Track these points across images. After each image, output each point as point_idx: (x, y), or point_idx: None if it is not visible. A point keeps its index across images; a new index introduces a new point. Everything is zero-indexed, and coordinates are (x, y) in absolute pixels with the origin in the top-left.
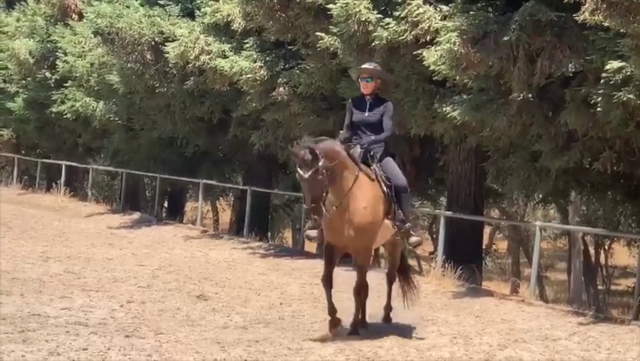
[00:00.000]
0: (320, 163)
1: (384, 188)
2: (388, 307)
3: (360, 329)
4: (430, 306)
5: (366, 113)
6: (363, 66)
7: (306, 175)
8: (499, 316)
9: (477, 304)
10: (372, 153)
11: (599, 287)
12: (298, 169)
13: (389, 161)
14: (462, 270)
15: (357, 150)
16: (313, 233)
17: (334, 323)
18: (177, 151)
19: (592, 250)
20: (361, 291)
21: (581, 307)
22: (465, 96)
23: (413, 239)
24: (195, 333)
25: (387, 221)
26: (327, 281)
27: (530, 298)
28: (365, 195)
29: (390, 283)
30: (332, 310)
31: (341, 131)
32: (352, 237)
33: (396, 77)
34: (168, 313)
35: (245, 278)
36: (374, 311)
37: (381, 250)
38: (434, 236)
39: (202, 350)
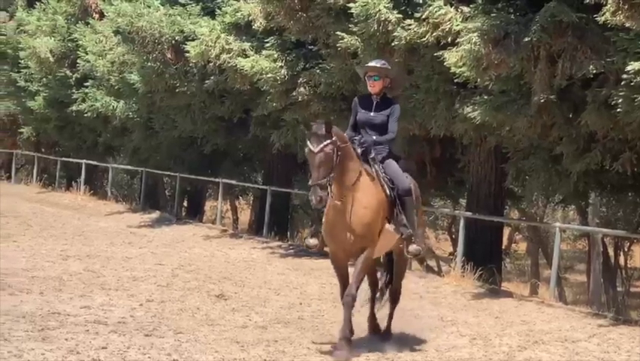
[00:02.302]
0: (333, 139)
1: (387, 190)
2: (388, 326)
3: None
4: (449, 307)
5: (372, 113)
6: (370, 64)
7: (316, 149)
8: (518, 317)
9: (496, 305)
10: (372, 155)
11: (619, 289)
12: (308, 143)
13: (392, 163)
14: (481, 271)
15: (358, 150)
16: (313, 241)
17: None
18: (197, 150)
19: (611, 252)
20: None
21: (600, 309)
22: (486, 97)
23: (413, 247)
24: (215, 333)
25: (389, 226)
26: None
27: (550, 299)
28: (366, 196)
29: (393, 300)
30: (349, 332)
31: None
32: (352, 240)
33: (417, 77)
34: (188, 313)
35: (264, 278)
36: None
37: None
38: (454, 237)
39: (221, 350)
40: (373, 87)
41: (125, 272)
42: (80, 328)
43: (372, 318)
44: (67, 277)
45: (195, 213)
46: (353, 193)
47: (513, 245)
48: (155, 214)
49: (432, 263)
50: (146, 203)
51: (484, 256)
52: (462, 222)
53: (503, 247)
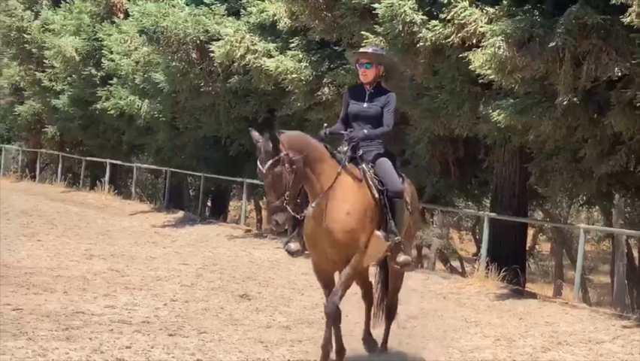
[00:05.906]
0: (281, 155)
1: (375, 193)
2: (384, 343)
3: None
4: (473, 308)
5: (365, 104)
6: (361, 50)
7: (264, 168)
8: (542, 318)
9: (520, 306)
10: (361, 153)
11: None
12: (257, 162)
13: (384, 162)
14: (505, 271)
15: (344, 148)
16: (294, 246)
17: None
18: (221, 150)
19: (636, 253)
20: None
21: (624, 311)
22: (511, 100)
23: (402, 258)
24: (239, 332)
25: (378, 233)
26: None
27: (574, 300)
28: (347, 199)
29: (389, 316)
30: (331, 347)
31: (325, 125)
32: (334, 251)
33: (442, 78)
34: (212, 313)
35: (288, 278)
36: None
37: None
38: (477, 237)
39: (245, 350)
40: (365, 76)
41: (149, 272)
42: (104, 327)
43: (367, 334)
44: (91, 277)
45: (219, 213)
46: (331, 197)
47: (537, 246)
48: (179, 214)
49: (455, 264)
50: (170, 203)
51: (508, 257)
52: (486, 223)
53: (527, 248)
